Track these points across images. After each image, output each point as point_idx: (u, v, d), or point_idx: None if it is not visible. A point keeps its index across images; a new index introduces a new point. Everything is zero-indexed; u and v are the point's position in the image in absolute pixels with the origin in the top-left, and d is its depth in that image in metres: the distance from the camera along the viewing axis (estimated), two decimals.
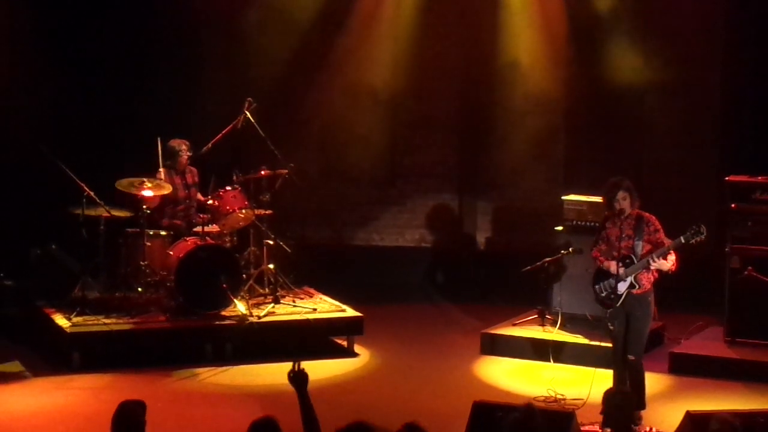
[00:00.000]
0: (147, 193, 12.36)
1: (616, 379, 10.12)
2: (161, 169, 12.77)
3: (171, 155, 12.92)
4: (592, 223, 12.08)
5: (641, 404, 10.08)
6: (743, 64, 14.09)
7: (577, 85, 14.82)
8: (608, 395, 7.64)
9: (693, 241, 9.79)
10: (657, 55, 14.39)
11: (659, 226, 9.98)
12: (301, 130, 15.26)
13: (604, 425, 8.93)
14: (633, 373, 10.06)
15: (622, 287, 9.90)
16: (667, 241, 9.89)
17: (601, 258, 10.07)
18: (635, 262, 9.88)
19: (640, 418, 10.01)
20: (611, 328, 9.93)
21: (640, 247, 9.90)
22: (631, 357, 9.97)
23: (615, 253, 9.90)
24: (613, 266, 9.88)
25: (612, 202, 9.93)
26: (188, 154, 12.95)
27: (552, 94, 14.96)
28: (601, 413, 8.10)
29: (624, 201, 9.89)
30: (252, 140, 13.16)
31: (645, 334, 10.09)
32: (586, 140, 15.01)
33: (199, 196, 13.10)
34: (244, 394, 10.98)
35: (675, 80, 14.41)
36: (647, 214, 10.07)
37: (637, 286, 9.93)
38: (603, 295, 10.03)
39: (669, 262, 9.85)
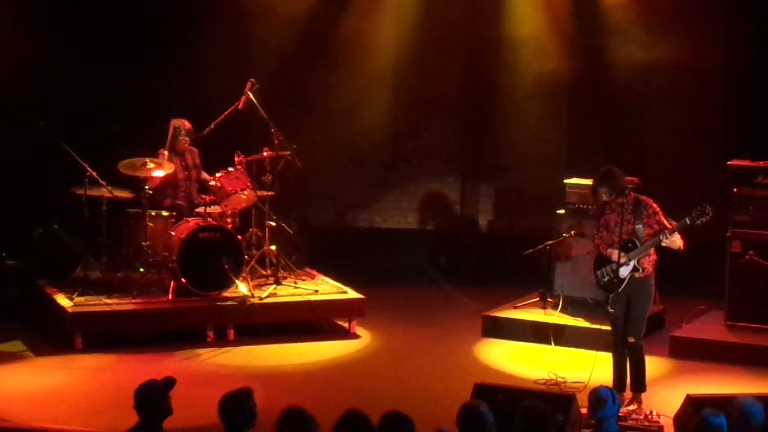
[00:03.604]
0: (157, 173, 12.37)
1: (616, 362, 10.14)
2: (164, 150, 12.76)
3: (174, 134, 12.87)
4: (594, 207, 12.07)
5: (641, 386, 10.10)
6: (747, 49, 14.05)
7: (580, 68, 14.79)
8: (591, 394, 7.79)
9: (698, 221, 9.79)
10: (661, 39, 14.35)
11: (658, 209, 9.98)
12: (304, 111, 15.24)
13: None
14: (633, 355, 10.09)
15: (625, 271, 9.90)
16: (668, 223, 9.88)
17: (603, 246, 10.06)
18: (638, 245, 9.88)
19: (640, 401, 10.03)
20: (611, 311, 9.94)
21: (642, 230, 9.90)
22: (631, 339, 9.99)
23: (615, 238, 9.91)
24: (615, 253, 9.87)
25: (596, 195, 10.01)
26: (186, 138, 12.88)
27: (555, 77, 14.93)
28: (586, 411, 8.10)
29: (605, 195, 9.93)
30: (254, 121, 13.15)
31: (645, 317, 10.10)
32: (589, 124, 15.00)
33: (204, 175, 13.05)
34: (245, 375, 11.00)
35: (678, 64, 14.38)
36: (644, 197, 10.08)
37: (641, 270, 9.94)
38: (606, 280, 10.02)
39: (679, 241, 9.86)
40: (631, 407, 9.96)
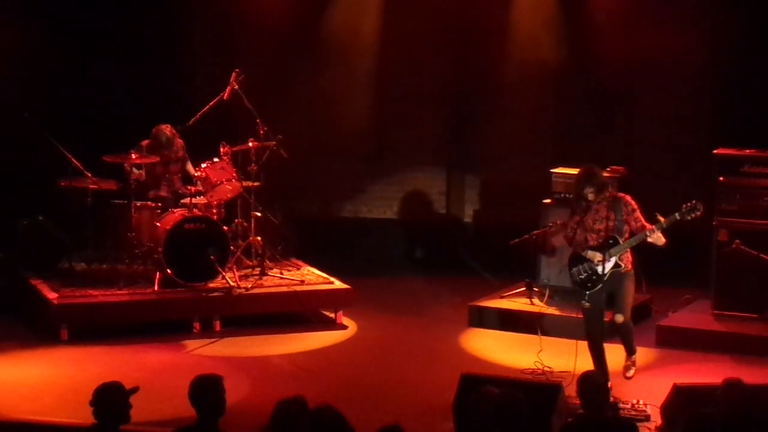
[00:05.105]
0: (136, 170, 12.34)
1: (594, 355, 10.13)
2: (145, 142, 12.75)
3: (158, 145, 12.80)
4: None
5: (633, 349, 10.41)
6: (733, 38, 14.03)
7: (567, 58, 14.77)
8: (582, 379, 7.65)
9: (689, 217, 9.79)
10: (648, 28, 14.33)
11: (636, 206, 10.00)
12: (290, 101, 15.19)
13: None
14: (623, 331, 10.23)
15: (606, 268, 9.89)
16: (645, 223, 9.89)
17: (576, 247, 10.06)
18: (619, 242, 9.87)
19: (634, 362, 10.35)
20: (587, 305, 9.95)
21: (622, 227, 9.90)
22: (620, 318, 10.03)
23: (593, 235, 9.93)
24: (597, 256, 9.87)
25: (580, 196, 9.95)
26: (165, 150, 12.78)
27: (542, 67, 14.90)
28: (576, 395, 8.09)
29: (592, 195, 9.89)
30: (240, 112, 13.11)
31: (631, 300, 10.17)
32: (577, 113, 14.97)
33: (189, 167, 13.02)
34: (231, 366, 10.98)
35: (665, 54, 14.36)
36: (621, 194, 10.12)
37: (622, 266, 9.96)
38: (583, 277, 10.01)
39: (663, 237, 9.86)
40: (630, 373, 10.24)
